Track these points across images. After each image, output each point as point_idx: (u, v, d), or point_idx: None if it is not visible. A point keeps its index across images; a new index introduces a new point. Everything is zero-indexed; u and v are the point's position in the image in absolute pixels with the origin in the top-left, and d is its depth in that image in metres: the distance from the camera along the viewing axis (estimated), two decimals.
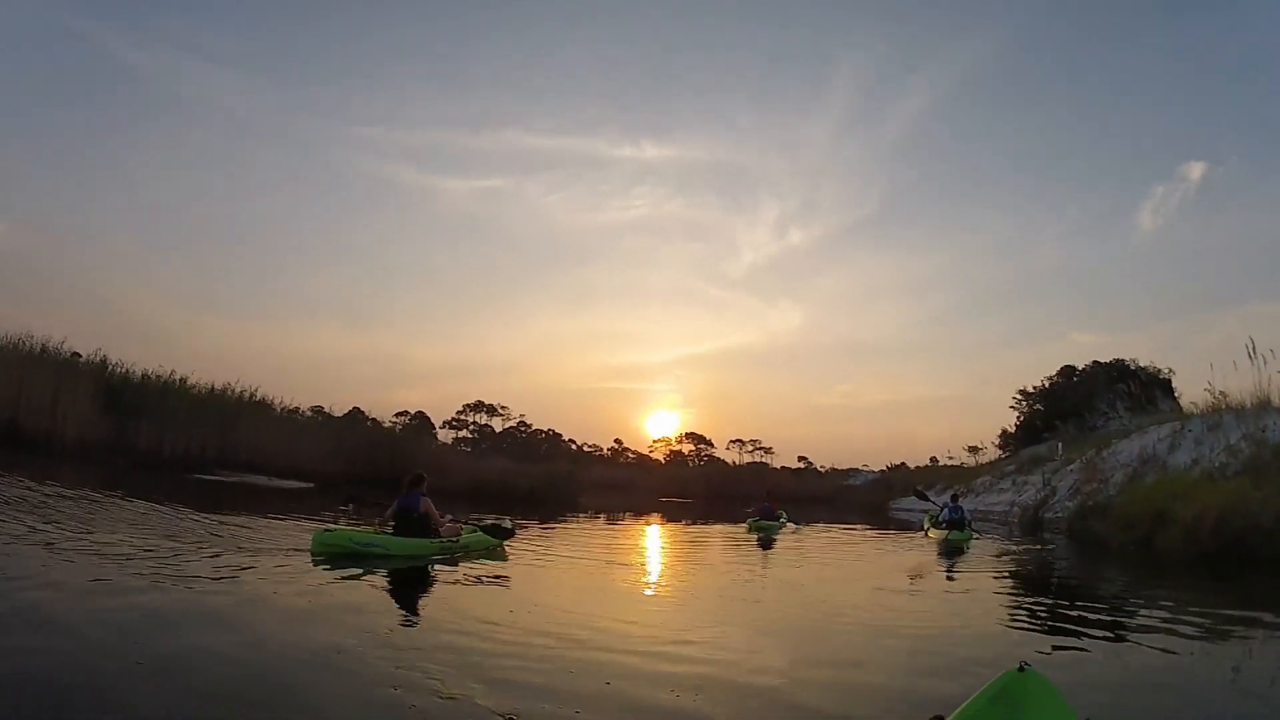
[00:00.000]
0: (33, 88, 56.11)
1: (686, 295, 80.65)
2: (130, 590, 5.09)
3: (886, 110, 68.04)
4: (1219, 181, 60.10)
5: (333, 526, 8.16)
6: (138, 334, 55.45)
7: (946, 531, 14.64)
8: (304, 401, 30.31)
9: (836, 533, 17.56)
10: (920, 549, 13.36)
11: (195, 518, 9.60)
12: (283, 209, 70.76)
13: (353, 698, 3.33)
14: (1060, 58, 64.34)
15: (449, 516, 9.07)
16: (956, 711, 2.37)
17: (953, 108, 67.62)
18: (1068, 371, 38.44)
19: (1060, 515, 17.14)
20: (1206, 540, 10.32)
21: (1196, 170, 61.16)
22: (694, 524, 19.91)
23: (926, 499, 18.59)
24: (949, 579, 9.68)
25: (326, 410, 30.32)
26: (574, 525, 15.58)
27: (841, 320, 78.06)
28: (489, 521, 9.91)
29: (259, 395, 24.85)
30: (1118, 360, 35.38)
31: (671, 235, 78.23)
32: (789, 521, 17.20)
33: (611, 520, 20.12)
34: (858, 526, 19.99)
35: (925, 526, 16.94)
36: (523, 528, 11.38)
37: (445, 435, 66.33)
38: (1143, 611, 7.23)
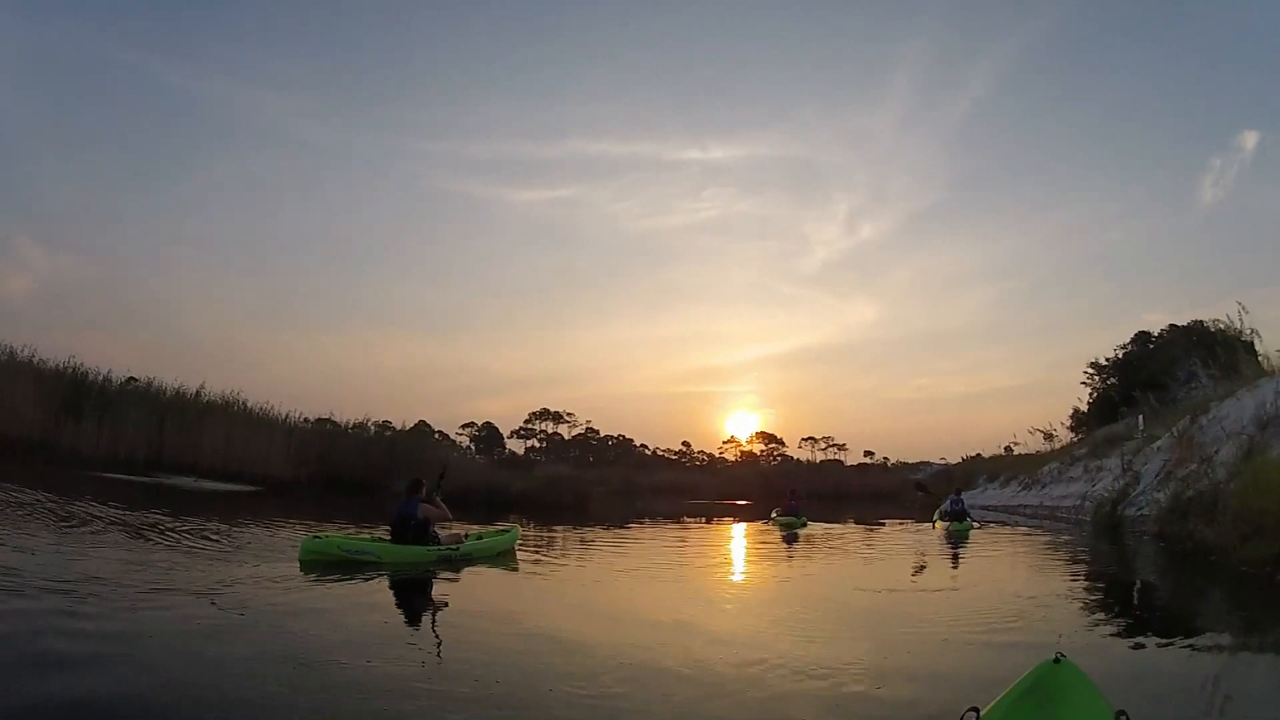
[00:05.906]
0: (91, 123, 56.64)
1: (760, 294, 77.02)
2: None
3: (948, 96, 63.34)
4: (1273, 149, 52.34)
5: (322, 534, 7.63)
6: (211, 356, 54.29)
7: (949, 523, 14.90)
8: (374, 415, 27.21)
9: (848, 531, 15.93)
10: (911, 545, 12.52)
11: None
12: (351, 226, 70.17)
13: None
14: (1114, 35, 58.20)
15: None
16: (992, 704, 2.19)
17: (1012, 91, 62.81)
18: (1142, 338, 31.95)
19: (1147, 512, 12.16)
20: None
21: (1250, 139, 53.75)
22: (721, 522, 18.47)
23: (925, 490, 18.25)
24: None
25: (393, 425, 28.00)
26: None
27: (915, 313, 73.02)
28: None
29: (241, 400, 21.90)
30: (1196, 322, 28.98)
31: (743, 235, 74.99)
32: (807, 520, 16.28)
33: (626, 526, 16.97)
34: (855, 524, 18.17)
35: (934, 520, 17.01)
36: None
37: (515, 445, 63.87)
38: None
